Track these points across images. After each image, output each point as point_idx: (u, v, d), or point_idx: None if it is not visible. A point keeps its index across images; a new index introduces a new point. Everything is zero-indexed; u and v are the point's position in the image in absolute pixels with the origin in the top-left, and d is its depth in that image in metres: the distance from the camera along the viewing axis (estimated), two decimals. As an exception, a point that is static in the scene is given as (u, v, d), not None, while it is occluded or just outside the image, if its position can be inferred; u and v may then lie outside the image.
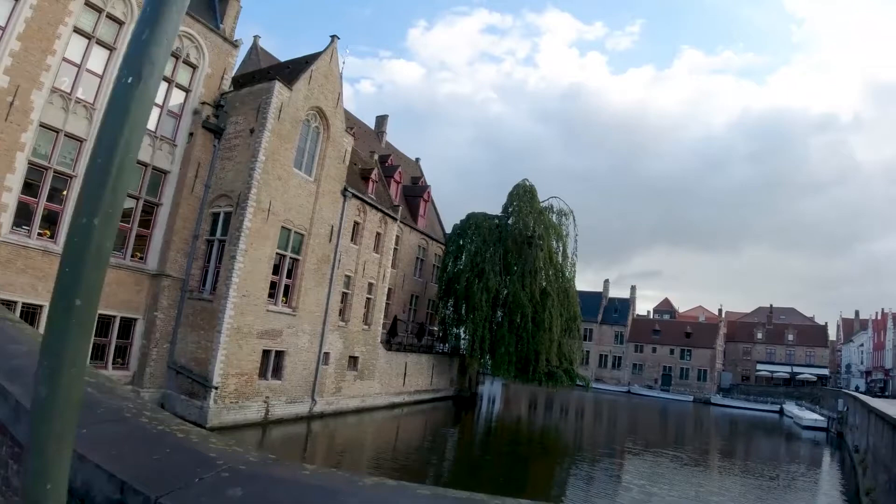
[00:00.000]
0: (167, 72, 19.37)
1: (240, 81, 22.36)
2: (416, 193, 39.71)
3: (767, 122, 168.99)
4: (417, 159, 47.23)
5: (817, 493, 20.81)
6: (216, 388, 17.50)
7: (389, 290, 34.05)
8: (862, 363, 71.10)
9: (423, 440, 25.02)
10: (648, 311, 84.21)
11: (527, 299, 33.72)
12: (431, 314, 38.86)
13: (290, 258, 20.84)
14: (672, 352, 69.35)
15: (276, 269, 20.31)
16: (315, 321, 22.09)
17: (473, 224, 36.45)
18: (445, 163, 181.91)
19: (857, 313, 76.64)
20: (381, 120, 43.86)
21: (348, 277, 24.51)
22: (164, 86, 19.40)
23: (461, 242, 36.37)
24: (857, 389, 56.70)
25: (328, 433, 22.50)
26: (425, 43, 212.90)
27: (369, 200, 25.28)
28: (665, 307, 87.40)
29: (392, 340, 30.49)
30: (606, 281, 76.12)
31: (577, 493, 17.58)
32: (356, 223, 24.81)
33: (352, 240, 24.71)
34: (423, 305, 38.56)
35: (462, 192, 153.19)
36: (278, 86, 19.58)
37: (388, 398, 28.16)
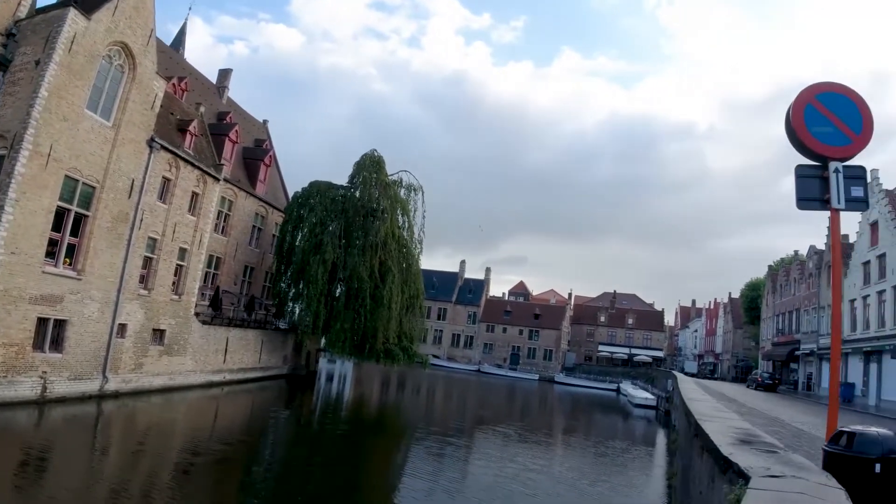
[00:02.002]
0: (-52, -4, 16.93)
1: (44, 11, 19.95)
2: (256, 156, 38.19)
3: (633, 125, 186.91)
4: (265, 121, 45.49)
5: (640, 470, 22.16)
6: (-28, 360, 15.71)
7: (218, 259, 32.66)
8: (696, 347, 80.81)
9: (250, 422, 24.24)
10: (504, 293, 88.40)
11: (366, 274, 33.79)
12: (269, 287, 37.78)
13: (77, 213, 19.05)
14: (521, 332, 73.87)
15: (59, 226, 18.51)
16: (108, 287, 20.47)
17: (316, 192, 35.84)
18: (322, 137, 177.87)
19: (693, 302, 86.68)
20: (224, 74, 41.43)
21: (154, 240, 22.97)
22: (-55, 11, 17.01)
23: (302, 212, 35.60)
24: (682, 370, 64.15)
25: (126, 414, 21.04)
26: (310, 10, 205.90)
27: (184, 155, 23.80)
28: (520, 289, 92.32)
29: (215, 314, 29.22)
30: (463, 262, 78.94)
31: (396, 473, 17.86)
32: (166, 179, 23.25)
33: (160, 198, 23.15)
34: (259, 278, 37.42)
35: (338, 168, 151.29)
36: (73, 13, 17.71)
37: (204, 376, 26.99)
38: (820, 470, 4.56)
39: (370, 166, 36.81)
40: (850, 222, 35.39)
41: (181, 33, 41.17)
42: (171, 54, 34.56)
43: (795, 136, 5.43)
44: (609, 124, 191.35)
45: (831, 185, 5.25)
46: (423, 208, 39.18)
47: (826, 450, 4.61)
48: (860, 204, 5.45)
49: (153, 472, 14.40)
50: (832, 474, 4.24)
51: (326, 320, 34.06)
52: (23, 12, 18.86)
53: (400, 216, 37.68)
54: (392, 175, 38.34)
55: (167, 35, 45.41)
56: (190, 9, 62.94)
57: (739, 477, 4.32)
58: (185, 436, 19.73)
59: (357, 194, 36.48)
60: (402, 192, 38.62)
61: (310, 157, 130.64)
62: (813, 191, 5.42)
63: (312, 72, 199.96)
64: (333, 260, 33.66)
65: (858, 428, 4.53)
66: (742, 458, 4.85)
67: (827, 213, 5.61)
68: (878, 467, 4.34)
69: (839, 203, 5.24)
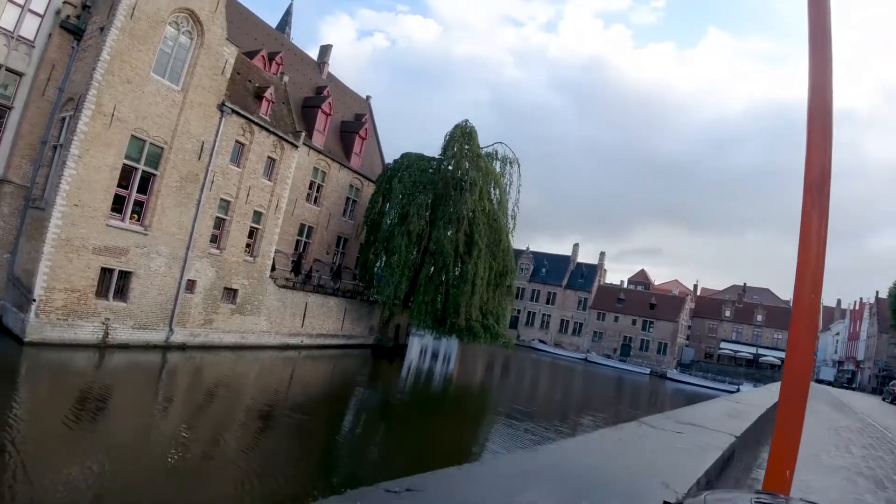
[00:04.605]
0: (29, -30, 18.75)
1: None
2: (351, 129, 38.84)
3: (783, 110, 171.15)
4: (368, 97, 46.26)
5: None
6: (35, 301, 17.16)
7: (310, 228, 33.81)
8: (836, 353, 72.08)
9: (329, 387, 24.72)
10: (623, 281, 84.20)
11: (451, 248, 33.24)
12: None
13: (145, 172, 20.20)
14: (634, 322, 69.91)
15: (127, 183, 19.69)
16: (176, 244, 21.61)
17: (407, 164, 35.72)
18: (457, 120, 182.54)
19: (838, 302, 77.20)
20: (325, 50, 42.72)
21: (227, 202, 23.91)
22: (26, -17, 18.89)
23: (392, 183, 35.67)
24: (816, 377, 57.41)
25: (192, 366, 22.19)
26: (447, 0, 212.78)
27: (257, 120, 24.45)
28: (640, 278, 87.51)
29: (296, 279, 30.15)
30: (576, 245, 76.13)
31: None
32: (240, 144, 24.04)
33: (235, 162, 24.01)
34: (353, 249, 38.27)
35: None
36: (133, -21, 18.65)
37: (279, 338, 27.94)
38: None
39: (461, 137, 36.05)
40: None
41: (287, 14, 43.10)
42: (269, 31, 36.05)
43: None
44: (756, 109, 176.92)
45: None
46: (519, 182, 38.03)
47: None
48: None
49: (219, 425, 14.75)
50: None
51: (408, 293, 34.04)
52: (98, -16, 20.21)
53: (492, 189, 36.66)
54: (486, 147, 37.45)
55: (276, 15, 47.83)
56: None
57: None
58: (259, 394, 20.38)
59: (449, 167, 35.91)
60: (497, 164, 37.65)
61: (438, 143, 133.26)
62: None
63: (447, 60, 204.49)
64: (418, 232, 33.48)
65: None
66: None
67: None
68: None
69: None
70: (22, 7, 18.87)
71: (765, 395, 12.91)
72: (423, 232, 33.85)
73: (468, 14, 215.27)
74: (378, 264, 36.01)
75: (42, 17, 19.42)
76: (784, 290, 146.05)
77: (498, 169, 37.68)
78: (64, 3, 19.73)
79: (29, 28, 19.00)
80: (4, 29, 18.49)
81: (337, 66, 40.41)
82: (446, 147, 36.55)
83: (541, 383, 45.32)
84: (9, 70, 18.83)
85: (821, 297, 2.06)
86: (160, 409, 16.05)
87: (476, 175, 34.92)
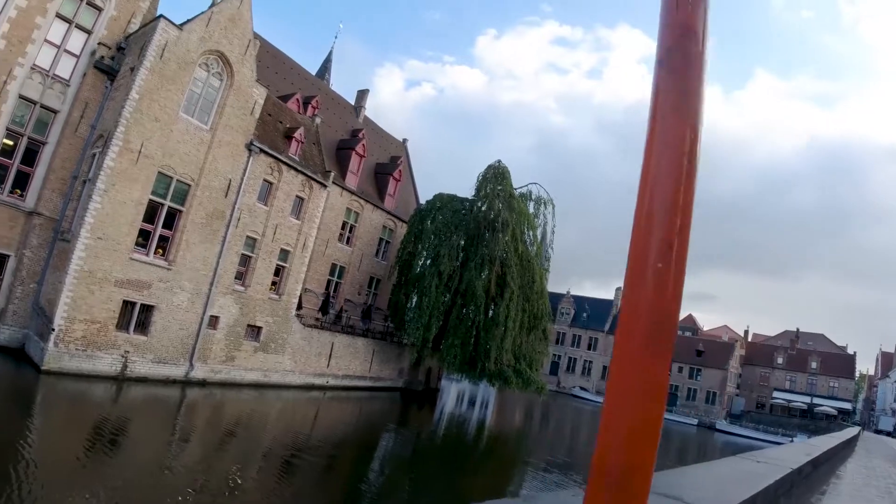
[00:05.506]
0: (68, 13, 19.83)
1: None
2: (385, 171, 39.15)
3: (837, 148, 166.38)
4: (405, 140, 46.79)
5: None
6: (53, 330, 17.33)
7: (342, 268, 33.76)
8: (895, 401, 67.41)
9: (354, 430, 24.11)
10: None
11: (483, 290, 32.57)
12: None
13: (171, 208, 20.51)
14: (680, 370, 66.80)
15: (153, 218, 19.99)
16: (200, 280, 21.72)
17: (439, 205, 35.58)
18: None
19: (896, 347, 72.33)
20: (362, 94, 43.56)
21: (253, 240, 24.02)
22: (63, 26, 19.93)
23: (424, 224, 35.51)
24: (866, 425, 53.51)
25: (212, 403, 21.91)
26: (492, 51, 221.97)
27: (286, 160, 24.72)
28: (687, 323, 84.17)
29: (323, 319, 29.93)
30: (618, 289, 73.64)
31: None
32: (268, 182, 24.29)
33: (262, 200, 24.21)
34: (386, 290, 37.93)
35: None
36: (163, 23, 19.44)
37: (304, 378, 27.58)
38: None
39: (493, 178, 35.73)
40: None
41: (327, 61, 44.34)
42: (307, 76, 37.04)
43: None
44: (809, 148, 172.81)
45: None
46: (554, 223, 37.48)
47: None
48: None
49: (235, 466, 14.33)
50: None
51: (438, 335, 33.31)
52: (133, 28, 21.05)
53: (525, 230, 36.07)
54: (520, 188, 37.16)
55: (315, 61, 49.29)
56: (336, 37, 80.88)
57: None
58: (281, 434, 19.94)
59: (482, 207, 35.58)
60: (531, 205, 37.23)
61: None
62: None
63: (493, 107, 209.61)
64: (450, 273, 32.95)
65: None
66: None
67: None
68: None
69: None
70: (58, 48, 19.82)
71: (796, 451, 11.60)
72: (454, 273, 33.31)
73: (513, 63, 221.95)
74: (409, 305, 35.55)
75: (78, 57, 20.35)
76: (840, 335, 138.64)
77: (531, 210, 37.24)
78: (99, 44, 20.61)
79: (65, 68, 19.88)
80: (41, 68, 19.38)
81: (383, 114, 41.68)
82: (479, 188, 36.24)
83: (581, 433, 43.37)
84: (44, 107, 19.67)
85: (685, 265, 1.01)
86: (175, 445, 15.72)
87: (509, 216, 34.42)
